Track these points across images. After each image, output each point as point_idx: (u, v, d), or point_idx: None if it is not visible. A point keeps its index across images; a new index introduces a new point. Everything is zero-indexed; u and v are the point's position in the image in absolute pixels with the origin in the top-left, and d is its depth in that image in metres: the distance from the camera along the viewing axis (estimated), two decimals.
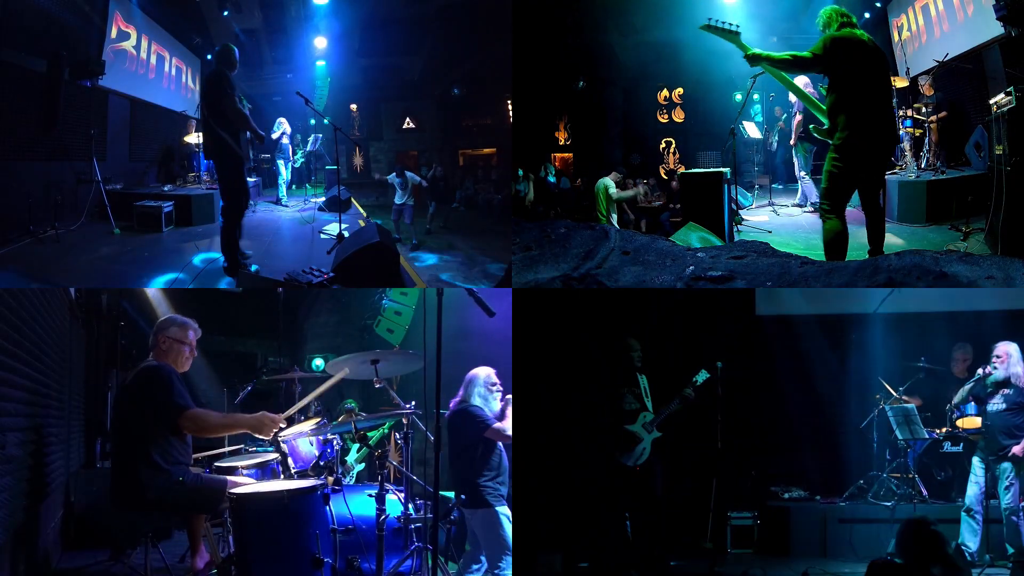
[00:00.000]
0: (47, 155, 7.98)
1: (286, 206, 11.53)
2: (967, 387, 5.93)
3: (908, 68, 9.50)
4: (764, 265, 5.12)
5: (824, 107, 5.24)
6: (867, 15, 10.74)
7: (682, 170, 10.92)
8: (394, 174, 9.82)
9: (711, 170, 7.85)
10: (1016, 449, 5.46)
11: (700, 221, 6.98)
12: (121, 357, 7.19)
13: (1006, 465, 5.50)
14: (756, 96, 11.34)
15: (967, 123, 8.70)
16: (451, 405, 4.86)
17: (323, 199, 11.26)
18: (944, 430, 6.45)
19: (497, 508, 4.62)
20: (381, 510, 4.22)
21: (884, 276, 4.67)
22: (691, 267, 5.15)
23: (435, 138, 15.64)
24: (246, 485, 4.22)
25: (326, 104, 13.48)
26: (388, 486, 4.34)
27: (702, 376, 5.70)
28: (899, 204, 7.78)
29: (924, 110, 8.53)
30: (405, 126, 15.76)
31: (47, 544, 5.16)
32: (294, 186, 12.55)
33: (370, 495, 4.36)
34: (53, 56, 7.70)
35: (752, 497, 6.55)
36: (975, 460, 5.73)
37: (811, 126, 5.62)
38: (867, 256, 5.64)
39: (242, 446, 5.58)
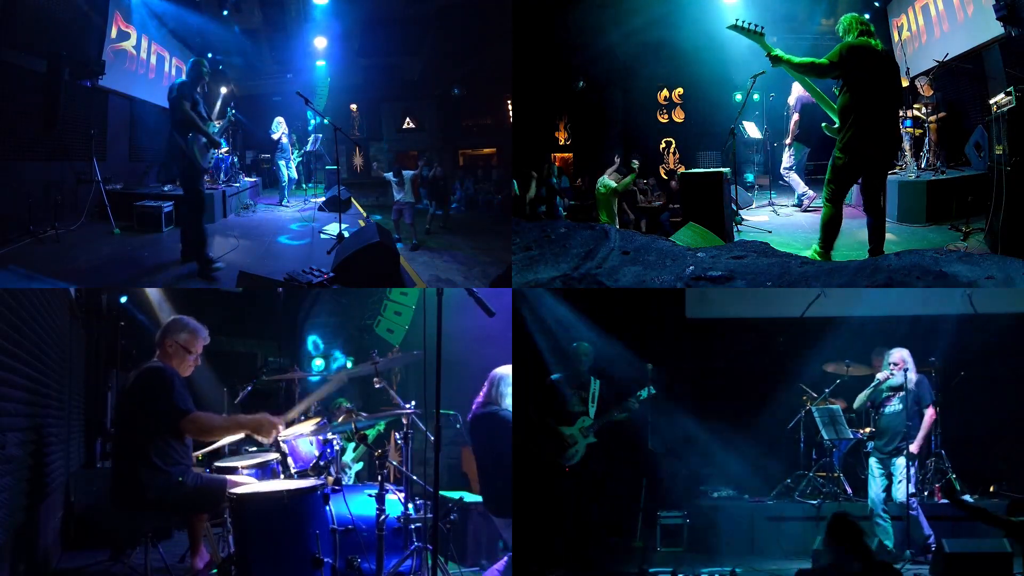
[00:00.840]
0: (47, 155, 7.97)
1: (286, 206, 11.55)
2: (867, 392, 6.09)
3: (908, 68, 9.49)
4: (764, 265, 5.12)
5: (836, 106, 5.64)
6: (867, 16, 10.74)
7: (682, 170, 10.92)
8: (391, 173, 9.83)
9: (711, 170, 7.85)
10: (912, 447, 5.80)
11: (700, 221, 6.98)
12: (121, 357, 7.19)
13: (900, 461, 5.80)
14: (756, 96, 11.32)
15: (967, 123, 8.70)
16: (475, 406, 4.78)
17: (323, 199, 11.26)
18: (867, 430, 6.54)
19: None
20: (381, 510, 4.22)
21: (884, 276, 4.68)
22: (691, 267, 5.15)
23: (435, 138, 15.63)
24: (246, 485, 4.22)
25: (326, 104, 13.48)
26: (388, 486, 4.34)
27: (646, 392, 5.88)
28: (899, 204, 7.78)
29: (924, 110, 8.53)
30: (405, 126, 15.75)
31: (47, 544, 5.16)
32: (294, 186, 12.56)
33: (370, 495, 4.36)
34: (53, 56, 7.70)
35: (682, 496, 6.62)
36: (872, 462, 5.99)
37: (823, 124, 5.94)
38: (867, 255, 5.69)
39: (242, 446, 5.58)
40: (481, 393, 4.79)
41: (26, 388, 4.66)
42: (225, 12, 11.58)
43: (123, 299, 7.23)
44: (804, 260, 5.25)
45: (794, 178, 9.30)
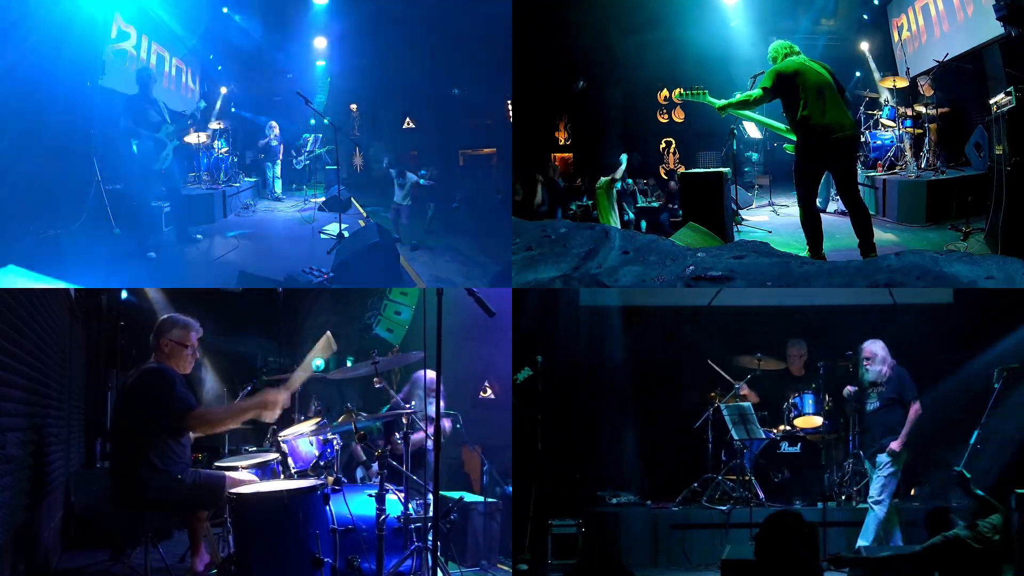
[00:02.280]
0: (47, 155, 7.95)
1: (280, 199, 11.59)
2: (850, 390, 5.96)
3: (908, 68, 9.49)
4: (764, 265, 5.12)
5: (785, 128, 6.18)
6: (865, 16, 10.75)
7: (682, 170, 10.92)
8: (395, 172, 9.81)
9: (711, 170, 7.85)
10: (893, 444, 5.57)
11: (700, 221, 6.98)
12: (121, 357, 7.19)
13: (882, 458, 5.62)
14: None
15: (967, 123, 8.69)
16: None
17: (323, 199, 11.27)
18: (781, 429, 6.36)
19: None
20: (381, 510, 4.22)
21: (884, 276, 4.67)
22: (691, 267, 5.15)
23: (435, 138, 15.62)
24: (246, 485, 4.22)
25: (326, 104, 13.48)
26: (388, 486, 4.34)
27: (524, 373, 5.60)
28: (899, 204, 7.78)
29: (924, 110, 8.53)
30: (405, 126, 15.74)
31: (47, 544, 5.15)
32: (294, 185, 12.58)
33: (370, 495, 4.36)
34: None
35: (576, 503, 6.18)
36: (867, 465, 5.85)
37: (785, 145, 6.43)
38: (858, 252, 5.74)
39: (242, 446, 5.58)
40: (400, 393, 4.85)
41: (26, 388, 4.66)
42: (225, 11, 11.59)
43: (124, 295, 7.24)
44: (804, 260, 5.25)
45: None
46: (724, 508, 6.11)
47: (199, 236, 7.76)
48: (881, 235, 7.08)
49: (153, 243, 7.36)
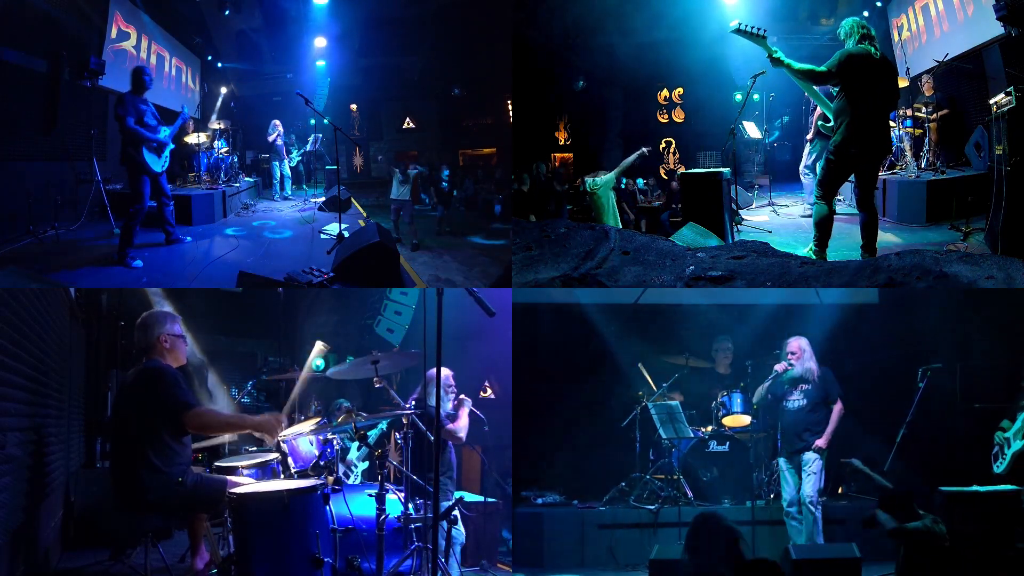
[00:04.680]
0: (47, 155, 7.97)
1: (287, 198, 11.58)
2: (765, 385, 5.78)
3: (908, 68, 9.50)
4: (764, 265, 5.12)
5: (831, 105, 5.73)
6: (866, 14, 10.74)
7: (682, 170, 10.92)
8: (397, 170, 9.80)
9: (711, 170, 7.85)
10: (819, 441, 5.50)
11: (700, 221, 6.97)
12: (121, 357, 7.19)
13: (808, 456, 5.52)
14: (756, 96, 11.33)
15: (967, 123, 8.70)
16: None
17: (323, 199, 11.27)
18: (710, 428, 6.30)
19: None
20: (381, 510, 4.22)
21: (884, 276, 4.68)
22: (691, 267, 5.15)
23: (435, 138, 15.64)
24: (246, 485, 4.22)
25: (326, 104, 13.49)
26: (388, 486, 4.34)
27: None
28: (899, 204, 7.78)
29: (924, 110, 8.53)
30: (405, 126, 15.76)
31: (47, 544, 5.15)
32: (293, 185, 12.57)
33: (370, 495, 4.36)
34: (53, 56, 7.70)
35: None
36: (780, 461, 5.72)
37: (819, 122, 6.04)
38: (860, 252, 5.75)
39: (242, 446, 5.58)
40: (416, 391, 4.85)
41: (26, 388, 4.66)
42: (226, 12, 11.59)
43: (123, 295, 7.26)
44: (804, 260, 5.25)
45: (809, 181, 9.15)
46: (652, 507, 6.05)
47: (188, 239, 7.83)
48: (881, 235, 7.07)
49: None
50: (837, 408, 5.63)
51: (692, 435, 6.30)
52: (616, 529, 5.99)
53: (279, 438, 4.72)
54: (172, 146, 7.34)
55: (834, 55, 5.51)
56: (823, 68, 5.50)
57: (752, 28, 5.81)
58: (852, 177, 5.81)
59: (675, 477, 6.24)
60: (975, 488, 4.42)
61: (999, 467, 5.19)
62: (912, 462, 5.79)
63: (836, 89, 5.62)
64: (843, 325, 6.50)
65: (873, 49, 5.48)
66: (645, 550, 5.54)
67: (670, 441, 6.25)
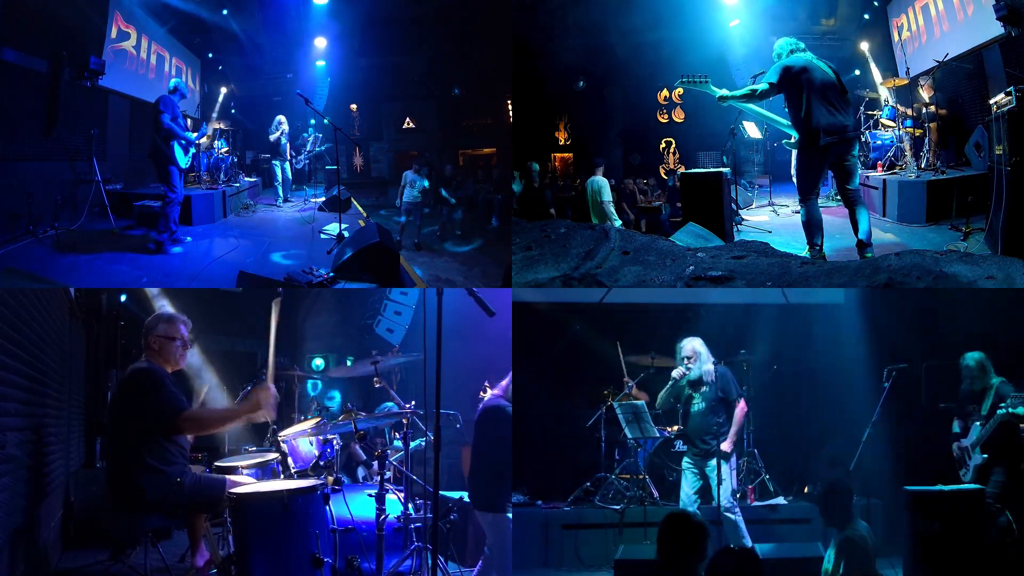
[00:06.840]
0: (47, 155, 7.97)
1: (289, 200, 11.54)
2: (666, 390, 5.67)
3: (908, 68, 9.49)
4: (764, 265, 5.12)
5: (786, 123, 6.16)
6: (866, 16, 10.75)
7: (682, 170, 10.91)
8: (413, 173, 9.75)
9: (711, 170, 7.85)
10: (724, 445, 5.36)
11: (700, 221, 6.98)
12: (121, 357, 7.18)
13: (713, 463, 5.36)
14: None
15: (967, 123, 8.69)
16: (489, 399, 4.73)
17: (323, 199, 11.26)
18: (676, 428, 6.23)
19: (509, 515, 4.57)
20: (381, 510, 4.22)
21: (884, 276, 4.68)
22: (691, 267, 5.15)
23: (435, 138, 15.62)
24: (246, 485, 4.22)
25: (326, 104, 13.48)
26: (388, 486, 4.34)
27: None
28: (899, 204, 7.78)
29: (924, 110, 8.53)
30: (405, 126, 15.74)
31: (47, 544, 5.15)
32: (293, 186, 12.55)
33: (370, 495, 4.36)
34: (53, 56, 7.70)
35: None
36: (684, 461, 5.60)
37: (783, 141, 6.32)
38: (855, 246, 5.82)
39: (242, 446, 5.58)
40: (499, 387, 4.76)
41: (26, 388, 4.66)
42: (225, 12, 11.58)
43: (123, 298, 7.24)
44: (804, 260, 5.26)
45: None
46: (618, 508, 6.01)
47: (188, 238, 7.95)
48: (881, 235, 7.10)
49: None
50: (740, 407, 5.51)
51: (658, 435, 6.23)
52: (581, 529, 5.96)
53: (280, 438, 4.72)
54: (195, 150, 7.61)
55: (769, 69, 5.84)
56: (763, 85, 5.85)
57: (695, 77, 6.47)
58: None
59: (641, 477, 6.22)
60: (940, 487, 4.44)
61: (965, 477, 5.12)
62: (878, 461, 5.77)
63: (785, 103, 5.89)
64: (809, 325, 6.53)
65: (806, 55, 5.79)
66: (611, 550, 5.52)
67: (635, 441, 6.20)
